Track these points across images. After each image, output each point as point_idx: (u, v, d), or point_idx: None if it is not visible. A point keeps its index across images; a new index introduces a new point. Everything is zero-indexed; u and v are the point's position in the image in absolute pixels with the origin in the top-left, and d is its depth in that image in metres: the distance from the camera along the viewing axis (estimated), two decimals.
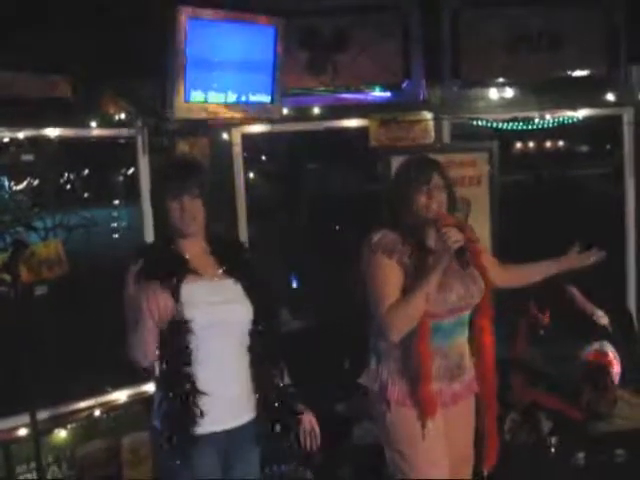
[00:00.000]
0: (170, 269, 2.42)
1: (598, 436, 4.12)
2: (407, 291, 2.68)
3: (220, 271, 2.55)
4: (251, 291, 2.55)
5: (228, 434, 2.52)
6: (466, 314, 2.87)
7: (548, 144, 6.46)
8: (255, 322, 2.56)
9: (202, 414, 2.42)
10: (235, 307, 2.52)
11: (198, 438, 2.43)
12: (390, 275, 2.71)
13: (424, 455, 2.80)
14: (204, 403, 2.43)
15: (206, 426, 2.45)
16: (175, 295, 2.36)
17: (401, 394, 2.79)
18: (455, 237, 2.60)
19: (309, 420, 2.70)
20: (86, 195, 4.56)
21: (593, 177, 6.68)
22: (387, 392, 2.82)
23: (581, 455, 4.07)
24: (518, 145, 5.98)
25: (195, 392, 2.42)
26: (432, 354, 2.74)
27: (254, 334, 2.56)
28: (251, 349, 2.56)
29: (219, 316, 2.46)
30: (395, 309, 2.65)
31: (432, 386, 2.76)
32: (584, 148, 6.96)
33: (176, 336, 2.39)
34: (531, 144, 6.11)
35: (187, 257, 2.51)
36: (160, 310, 2.27)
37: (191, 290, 2.43)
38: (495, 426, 3.02)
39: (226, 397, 2.49)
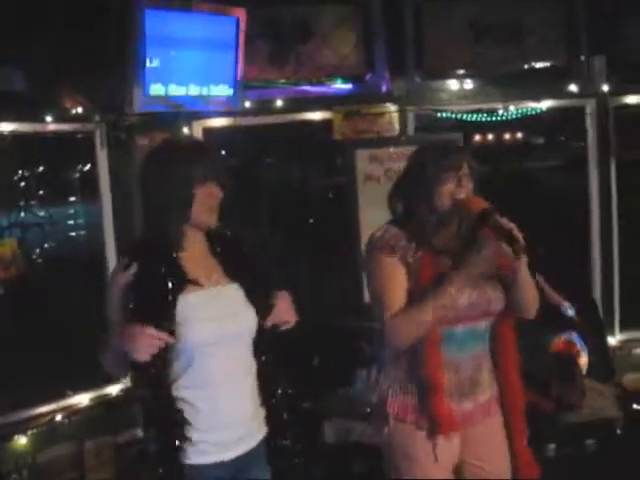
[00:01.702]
0: (166, 283, 2.07)
1: (568, 427, 4.11)
2: (414, 294, 2.39)
3: (222, 276, 2.21)
4: (254, 294, 2.23)
5: (238, 459, 2.18)
6: (482, 324, 2.49)
7: (507, 136, 6.47)
8: (260, 328, 2.23)
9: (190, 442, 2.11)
10: (241, 318, 2.19)
11: (204, 468, 2.12)
12: (394, 275, 2.42)
13: None
14: (210, 430, 2.12)
15: (213, 455, 2.13)
16: (169, 317, 2.06)
17: (402, 408, 2.48)
18: (507, 223, 2.31)
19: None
20: (42, 192, 4.40)
21: (548, 169, 6.72)
22: (386, 405, 2.50)
23: (552, 446, 4.07)
24: (477, 137, 5.98)
25: (183, 428, 2.10)
26: (441, 365, 2.41)
27: (259, 341, 2.23)
28: (257, 357, 2.24)
29: (224, 331, 2.13)
30: (403, 315, 2.37)
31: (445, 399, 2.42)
32: (540, 140, 6.99)
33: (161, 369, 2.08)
34: (490, 136, 6.12)
35: (185, 263, 2.13)
36: (145, 349, 1.99)
37: (190, 304, 2.09)
38: (524, 447, 2.62)
39: (236, 421, 2.17)
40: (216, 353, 2.12)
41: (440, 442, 2.45)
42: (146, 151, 2.36)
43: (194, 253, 2.18)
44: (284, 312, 2.26)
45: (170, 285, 2.08)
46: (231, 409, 2.15)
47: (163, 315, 2.05)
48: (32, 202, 4.41)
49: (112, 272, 2.20)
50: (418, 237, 2.44)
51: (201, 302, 2.12)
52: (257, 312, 2.21)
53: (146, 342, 1.98)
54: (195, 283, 2.12)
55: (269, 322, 2.22)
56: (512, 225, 2.33)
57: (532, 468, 2.62)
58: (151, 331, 1.99)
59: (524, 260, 2.40)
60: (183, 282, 2.10)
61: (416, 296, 2.39)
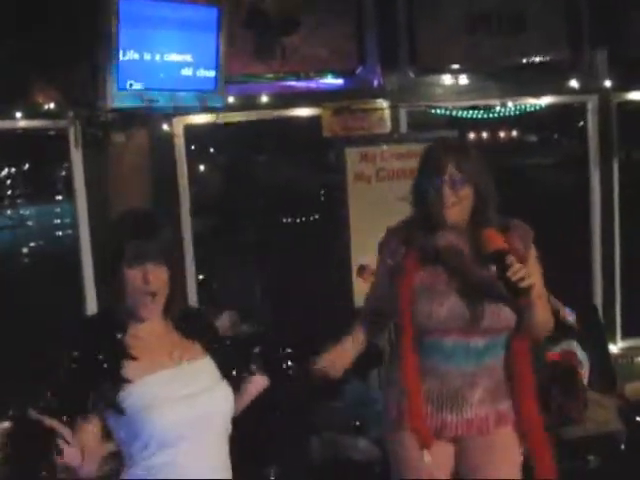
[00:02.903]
0: (109, 366, 1.87)
1: (569, 442, 3.92)
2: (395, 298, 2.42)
3: (187, 351, 1.99)
4: (225, 366, 2.03)
5: None
6: (479, 342, 2.38)
7: (504, 134, 6.29)
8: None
9: None
10: (214, 395, 1.97)
11: None
12: (377, 274, 2.59)
13: None
14: None
15: None
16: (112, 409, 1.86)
17: (399, 413, 2.45)
18: (521, 272, 2.17)
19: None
20: (16, 192, 4.20)
21: (545, 168, 6.58)
22: (387, 410, 2.51)
23: None
24: (471, 135, 5.81)
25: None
26: (417, 370, 2.40)
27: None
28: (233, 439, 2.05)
29: (195, 412, 1.90)
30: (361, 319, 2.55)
31: (422, 408, 2.41)
32: (537, 138, 6.84)
33: None
34: (484, 134, 5.95)
35: (140, 342, 1.93)
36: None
37: (148, 387, 1.87)
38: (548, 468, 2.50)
39: None
40: (182, 443, 1.89)
41: (432, 450, 2.41)
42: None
43: (152, 331, 1.97)
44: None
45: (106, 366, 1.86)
46: None
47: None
48: (3, 203, 4.21)
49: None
50: (411, 243, 2.41)
51: (160, 384, 1.88)
52: (231, 385, 2.02)
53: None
54: (152, 361, 1.91)
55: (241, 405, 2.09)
56: (521, 274, 2.18)
57: None
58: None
59: (531, 302, 2.27)
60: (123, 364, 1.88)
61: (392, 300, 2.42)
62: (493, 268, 2.24)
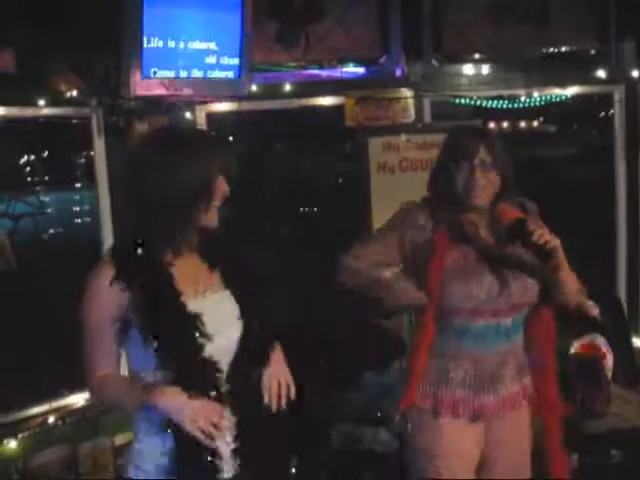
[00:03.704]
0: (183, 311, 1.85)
1: (592, 435, 3.89)
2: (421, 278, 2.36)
3: (211, 283, 1.97)
4: (246, 304, 1.98)
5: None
6: (508, 321, 2.41)
7: (525, 123, 6.23)
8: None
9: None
10: (232, 332, 1.96)
11: None
12: (383, 241, 2.46)
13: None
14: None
15: None
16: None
17: (435, 402, 2.44)
18: (545, 235, 2.22)
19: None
20: (36, 179, 4.21)
21: (569, 158, 6.51)
22: (406, 392, 2.47)
23: (574, 456, 3.83)
24: (495, 125, 5.76)
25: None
26: (427, 356, 2.40)
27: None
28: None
29: (214, 350, 1.89)
30: (355, 263, 2.45)
31: (421, 388, 2.43)
32: (557, 128, 6.77)
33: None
34: (511, 123, 5.90)
35: (176, 272, 1.89)
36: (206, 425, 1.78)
37: None
38: (559, 448, 2.58)
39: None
40: None
41: (462, 431, 2.43)
42: (142, 138, 2.05)
43: (185, 258, 1.93)
44: (278, 374, 2.02)
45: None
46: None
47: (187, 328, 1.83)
48: (27, 190, 4.22)
49: (96, 277, 1.86)
50: (439, 222, 2.38)
51: None
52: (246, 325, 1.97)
53: (207, 419, 1.78)
54: (186, 292, 1.88)
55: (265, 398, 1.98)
56: (546, 237, 2.22)
57: (562, 468, 2.58)
58: (219, 410, 1.80)
59: (560, 264, 2.29)
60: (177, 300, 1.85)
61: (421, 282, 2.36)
62: (516, 240, 2.28)
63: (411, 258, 2.43)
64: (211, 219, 1.91)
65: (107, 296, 1.83)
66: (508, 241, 2.34)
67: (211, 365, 1.86)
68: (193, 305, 1.88)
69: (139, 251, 1.86)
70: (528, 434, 2.59)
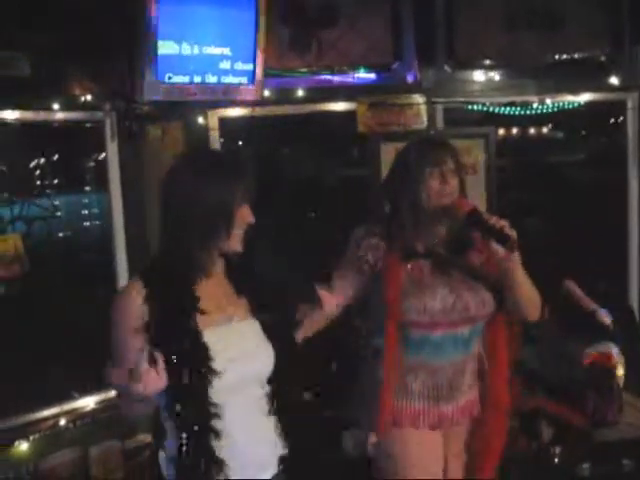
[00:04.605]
0: (191, 321, 1.88)
1: (603, 444, 3.88)
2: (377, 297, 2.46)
3: (238, 308, 2.00)
4: (273, 329, 2.02)
5: None
6: (465, 330, 2.48)
7: (537, 130, 6.23)
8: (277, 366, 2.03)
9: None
10: (260, 357, 1.98)
11: None
12: (343, 268, 2.55)
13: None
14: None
15: None
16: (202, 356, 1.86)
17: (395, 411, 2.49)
18: (501, 221, 2.30)
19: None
20: (48, 182, 4.23)
21: (581, 165, 6.49)
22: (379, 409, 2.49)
23: (586, 465, 3.84)
24: (507, 131, 5.76)
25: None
26: (395, 366, 2.44)
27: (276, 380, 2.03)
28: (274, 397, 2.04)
29: (245, 373, 1.93)
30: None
31: (392, 402, 2.47)
32: (568, 135, 6.76)
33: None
34: (523, 130, 5.89)
35: (201, 294, 1.93)
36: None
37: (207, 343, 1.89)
38: (497, 450, 2.64)
39: (254, 466, 1.97)
40: (234, 399, 1.90)
41: (423, 439, 2.48)
42: (175, 160, 2.05)
43: (211, 282, 1.97)
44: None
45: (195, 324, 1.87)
46: (249, 456, 1.95)
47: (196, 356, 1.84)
48: (38, 193, 4.23)
49: (124, 296, 1.91)
50: (393, 239, 2.45)
51: (217, 340, 1.88)
52: (275, 349, 2.00)
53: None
54: (212, 318, 1.90)
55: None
56: (503, 222, 2.29)
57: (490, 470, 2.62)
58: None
59: (517, 259, 2.36)
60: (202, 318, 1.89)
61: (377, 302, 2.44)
62: (475, 229, 2.37)
63: (374, 276, 2.49)
64: (234, 245, 1.95)
65: (136, 313, 1.85)
66: (466, 235, 2.45)
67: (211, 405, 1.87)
68: (219, 329, 1.91)
69: (167, 272, 1.90)
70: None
